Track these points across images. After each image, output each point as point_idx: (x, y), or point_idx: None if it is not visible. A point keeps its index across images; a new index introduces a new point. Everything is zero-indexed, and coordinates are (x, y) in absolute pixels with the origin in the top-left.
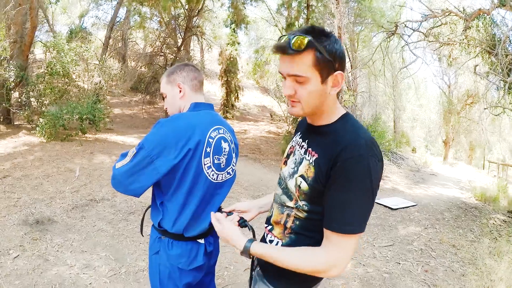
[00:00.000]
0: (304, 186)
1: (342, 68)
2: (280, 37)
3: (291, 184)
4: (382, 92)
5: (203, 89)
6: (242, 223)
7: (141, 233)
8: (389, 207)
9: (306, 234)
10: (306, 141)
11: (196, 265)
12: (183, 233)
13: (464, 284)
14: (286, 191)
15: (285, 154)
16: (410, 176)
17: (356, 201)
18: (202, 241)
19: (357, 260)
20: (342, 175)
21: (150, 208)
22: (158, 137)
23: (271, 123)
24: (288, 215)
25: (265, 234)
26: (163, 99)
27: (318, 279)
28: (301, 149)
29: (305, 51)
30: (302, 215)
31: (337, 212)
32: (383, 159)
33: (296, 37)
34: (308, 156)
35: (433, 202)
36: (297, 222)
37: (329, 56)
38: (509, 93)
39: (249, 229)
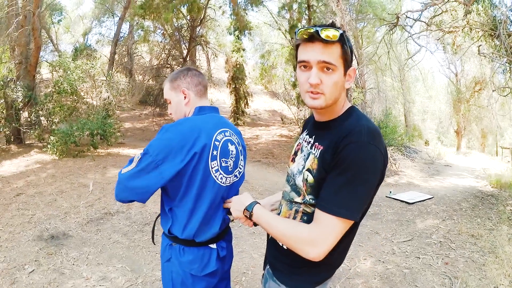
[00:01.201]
0: (310, 179)
1: (352, 62)
2: (299, 29)
3: (299, 180)
4: (391, 87)
5: (207, 93)
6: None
7: (153, 242)
8: (405, 202)
9: None
10: (313, 136)
11: (209, 271)
12: (194, 239)
13: (485, 273)
14: (294, 188)
15: (293, 151)
16: (425, 169)
17: (350, 186)
18: (214, 246)
19: (376, 258)
20: (341, 159)
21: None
22: (163, 142)
23: (282, 126)
24: (297, 211)
25: None
26: (168, 104)
27: (327, 275)
28: (308, 145)
29: (336, 43)
30: (309, 210)
31: (330, 193)
32: (394, 153)
33: (326, 28)
34: (314, 150)
35: (449, 193)
36: (305, 218)
37: (350, 51)
38: None
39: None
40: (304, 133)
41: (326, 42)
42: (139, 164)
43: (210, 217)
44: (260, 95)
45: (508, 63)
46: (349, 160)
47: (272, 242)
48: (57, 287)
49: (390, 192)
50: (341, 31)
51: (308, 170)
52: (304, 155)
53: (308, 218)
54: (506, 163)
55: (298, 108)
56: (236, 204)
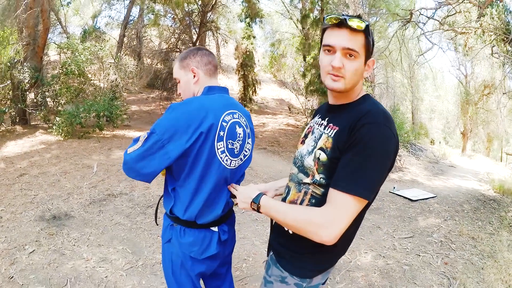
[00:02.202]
0: (323, 157)
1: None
2: (329, 15)
3: (309, 160)
4: (400, 83)
5: (217, 73)
6: None
7: (156, 222)
8: (408, 199)
9: None
10: (326, 119)
11: (209, 254)
12: (195, 220)
13: (483, 277)
14: (302, 169)
15: (303, 134)
16: (429, 167)
17: (366, 166)
18: (215, 229)
19: (377, 252)
20: (357, 139)
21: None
22: (169, 121)
23: (289, 116)
24: (305, 193)
25: None
26: (177, 84)
27: (330, 264)
28: (320, 126)
29: (360, 32)
30: (319, 191)
31: (347, 173)
32: (399, 149)
33: (354, 18)
34: (328, 130)
35: (452, 194)
36: (313, 201)
37: (372, 43)
38: None
39: None
40: (316, 117)
41: (352, 30)
42: (145, 143)
43: (213, 199)
44: (268, 83)
45: None
46: (365, 139)
47: (277, 228)
48: (56, 268)
49: (394, 187)
50: (367, 23)
51: (321, 148)
52: (315, 137)
53: (316, 201)
54: (510, 170)
55: (306, 98)
56: (243, 197)
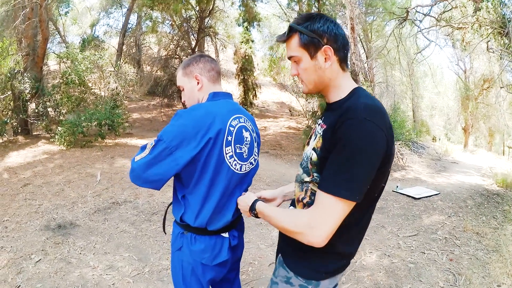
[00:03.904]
0: (314, 157)
1: (333, 43)
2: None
3: (308, 161)
4: (399, 81)
5: (220, 79)
6: None
7: (164, 231)
8: (412, 197)
9: None
10: (322, 118)
11: (220, 260)
12: (206, 227)
13: (488, 272)
14: (306, 169)
15: (309, 136)
16: (432, 165)
17: (349, 165)
18: (226, 235)
19: (382, 251)
20: (338, 137)
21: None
22: (176, 128)
23: (291, 118)
24: (306, 191)
25: None
26: (181, 92)
27: (336, 265)
28: (318, 126)
29: (291, 36)
30: (316, 188)
31: (329, 173)
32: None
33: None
34: (320, 129)
35: (456, 190)
36: (312, 197)
37: (311, 34)
38: None
39: None
40: (320, 118)
41: (285, 41)
42: (152, 151)
43: (224, 205)
44: (268, 86)
45: None
46: (345, 138)
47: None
48: (63, 276)
49: (397, 186)
50: (292, 24)
51: (314, 149)
52: (316, 137)
53: (314, 198)
54: None
55: (307, 100)
56: (242, 206)
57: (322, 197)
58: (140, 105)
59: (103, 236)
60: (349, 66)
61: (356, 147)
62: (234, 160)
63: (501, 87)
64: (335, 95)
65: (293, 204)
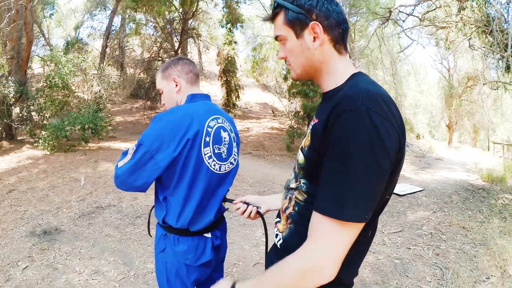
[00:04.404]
0: (301, 158)
1: (324, 19)
2: None
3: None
4: (382, 80)
5: (199, 81)
6: (260, 212)
7: (149, 234)
8: (396, 194)
9: (303, 223)
10: (316, 112)
11: (204, 261)
12: (188, 228)
13: (476, 265)
14: (295, 174)
15: (305, 135)
16: (416, 162)
17: (352, 174)
18: (208, 235)
19: None
20: (332, 136)
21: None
22: (156, 132)
23: (273, 119)
24: (290, 200)
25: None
26: (160, 94)
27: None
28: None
29: (278, 14)
30: (301, 198)
31: (329, 189)
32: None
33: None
34: (311, 124)
35: (440, 186)
36: (296, 208)
37: (297, 10)
38: (508, 71)
39: (262, 219)
40: None
41: (271, 19)
42: (134, 156)
43: (205, 206)
44: (251, 87)
45: (501, 59)
46: (342, 137)
47: (272, 255)
48: (50, 282)
49: None
50: (276, 0)
51: (301, 148)
52: (307, 134)
53: (299, 210)
54: (498, 158)
55: (289, 101)
56: None
57: (319, 222)
58: (123, 108)
59: (88, 241)
60: (348, 49)
61: (359, 149)
62: (213, 160)
63: (483, 84)
64: (330, 83)
65: (278, 215)
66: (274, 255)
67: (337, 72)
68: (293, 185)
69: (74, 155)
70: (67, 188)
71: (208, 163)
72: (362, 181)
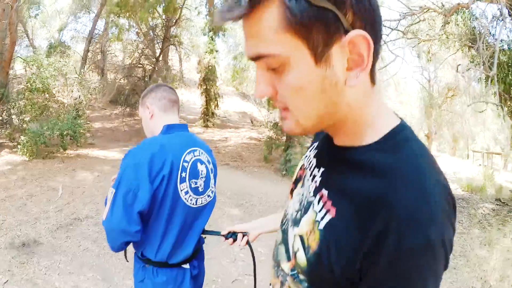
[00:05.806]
0: (301, 259)
1: (370, 24)
2: None
3: (290, 237)
4: None
5: (176, 108)
6: (248, 242)
7: (126, 259)
8: None
9: None
10: (321, 170)
11: None
12: (167, 261)
13: (456, 277)
14: (286, 242)
15: (294, 177)
16: None
17: None
18: (187, 266)
19: None
20: (378, 256)
21: None
22: (131, 169)
23: (252, 129)
24: (282, 284)
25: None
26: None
27: None
28: (312, 181)
29: (260, 6)
30: (296, 287)
31: None
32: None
33: None
34: (319, 204)
35: None
36: None
37: (317, 2)
38: (491, 86)
39: (250, 248)
40: (312, 150)
41: (247, 14)
42: (117, 200)
43: (183, 239)
44: (230, 96)
45: (486, 76)
46: (397, 263)
47: None
48: None
49: None
50: None
51: (301, 239)
52: (303, 197)
53: None
54: (477, 166)
55: (268, 111)
56: None
57: None
58: (103, 114)
59: (67, 255)
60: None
61: (420, 275)
62: (190, 196)
63: (468, 105)
64: (355, 136)
65: (275, 263)
66: None
67: (368, 121)
68: (285, 266)
69: (52, 163)
70: (45, 198)
71: (185, 198)
72: None
